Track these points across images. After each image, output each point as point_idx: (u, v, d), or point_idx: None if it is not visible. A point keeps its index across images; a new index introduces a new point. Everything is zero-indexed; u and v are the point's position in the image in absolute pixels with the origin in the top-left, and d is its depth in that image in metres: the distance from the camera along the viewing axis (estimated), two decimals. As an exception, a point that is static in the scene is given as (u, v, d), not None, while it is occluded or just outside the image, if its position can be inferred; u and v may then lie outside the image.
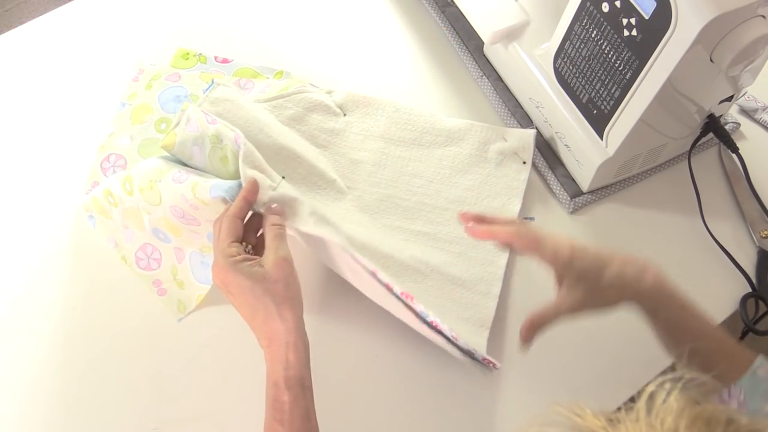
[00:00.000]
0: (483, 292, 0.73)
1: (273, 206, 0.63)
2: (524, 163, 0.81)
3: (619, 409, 0.39)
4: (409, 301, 0.63)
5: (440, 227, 0.77)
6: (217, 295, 0.71)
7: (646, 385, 0.38)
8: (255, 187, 0.63)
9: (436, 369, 0.70)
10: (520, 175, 0.80)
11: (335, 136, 0.82)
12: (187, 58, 0.89)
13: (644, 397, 0.37)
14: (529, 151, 0.81)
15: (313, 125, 0.81)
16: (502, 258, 0.75)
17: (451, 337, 0.63)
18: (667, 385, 0.36)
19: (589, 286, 0.58)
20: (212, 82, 0.79)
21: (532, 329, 0.59)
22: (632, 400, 0.70)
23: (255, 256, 0.60)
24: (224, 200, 0.63)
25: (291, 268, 0.59)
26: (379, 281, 0.64)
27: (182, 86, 0.85)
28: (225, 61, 0.88)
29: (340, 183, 0.78)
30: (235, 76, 0.86)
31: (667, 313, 0.60)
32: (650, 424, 0.35)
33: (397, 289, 0.63)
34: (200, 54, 0.89)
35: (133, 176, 0.69)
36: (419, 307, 0.63)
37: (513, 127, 0.85)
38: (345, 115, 0.84)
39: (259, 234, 0.64)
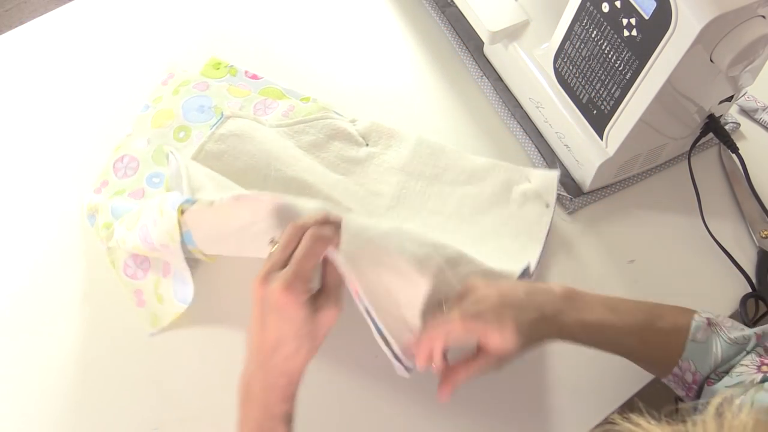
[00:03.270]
0: None
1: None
2: (547, 206, 0.77)
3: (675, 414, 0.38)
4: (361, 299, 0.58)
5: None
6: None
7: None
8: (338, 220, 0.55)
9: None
10: (542, 219, 0.76)
11: (355, 166, 0.80)
12: (218, 68, 0.88)
13: (711, 410, 0.35)
14: (552, 194, 0.77)
15: (333, 153, 0.80)
16: None
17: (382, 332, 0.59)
18: (737, 400, 0.34)
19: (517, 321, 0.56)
20: (221, 115, 0.78)
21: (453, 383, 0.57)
22: (631, 400, 0.70)
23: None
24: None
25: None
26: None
27: (208, 96, 0.84)
28: (254, 77, 0.88)
29: (357, 213, 0.76)
30: (261, 94, 0.85)
31: (588, 334, 0.59)
32: None
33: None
34: (231, 66, 0.88)
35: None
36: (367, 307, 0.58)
37: (513, 127, 0.85)
38: (367, 145, 0.82)
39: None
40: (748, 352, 0.57)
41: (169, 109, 0.83)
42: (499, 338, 0.55)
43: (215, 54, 0.89)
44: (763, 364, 0.53)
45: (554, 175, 0.78)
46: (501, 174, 0.80)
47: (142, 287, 0.73)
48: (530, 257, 0.73)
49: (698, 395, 0.60)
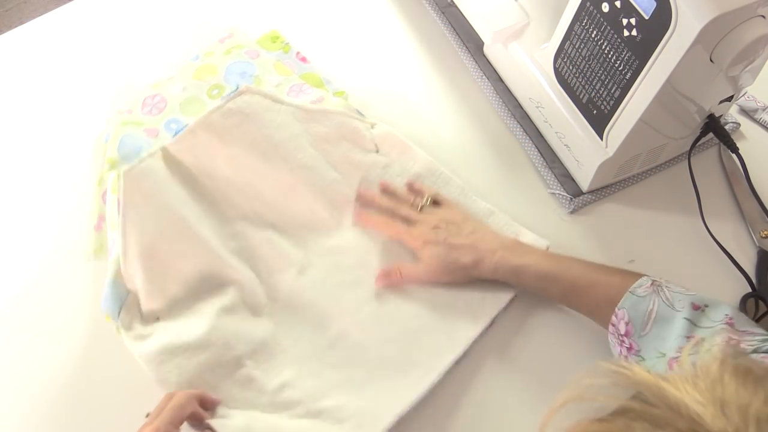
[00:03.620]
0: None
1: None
2: None
3: None
4: None
5: (403, 302, 0.72)
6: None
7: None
8: (217, 400, 0.65)
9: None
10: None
11: (357, 170, 0.79)
12: (275, 42, 0.89)
13: (686, 351, 0.37)
14: None
15: (340, 151, 0.79)
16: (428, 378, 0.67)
17: None
18: (707, 343, 0.36)
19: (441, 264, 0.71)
20: (236, 87, 0.78)
21: (389, 280, 0.72)
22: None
23: None
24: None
25: None
26: None
27: (254, 65, 0.85)
28: (303, 59, 0.89)
29: (332, 220, 0.76)
30: (301, 78, 0.86)
31: (526, 282, 0.69)
32: (696, 374, 0.36)
33: None
34: (287, 43, 0.89)
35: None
36: None
37: (513, 127, 0.85)
38: (377, 152, 0.81)
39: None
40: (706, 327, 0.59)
41: (214, 65, 0.84)
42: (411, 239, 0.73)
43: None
44: (731, 339, 0.55)
45: (544, 243, 0.75)
46: (496, 222, 0.77)
47: (108, 218, 0.74)
48: (491, 308, 0.71)
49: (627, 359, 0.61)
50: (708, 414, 0.33)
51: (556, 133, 0.81)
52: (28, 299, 0.74)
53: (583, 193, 0.80)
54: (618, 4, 0.65)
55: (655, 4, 0.61)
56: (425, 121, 0.86)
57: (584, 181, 0.79)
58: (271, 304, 0.72)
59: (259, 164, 0.75)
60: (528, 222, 0.79)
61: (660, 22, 0.61)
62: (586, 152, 0.77)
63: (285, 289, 0.72)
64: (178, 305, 0.69)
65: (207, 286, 0.70)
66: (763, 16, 0.61)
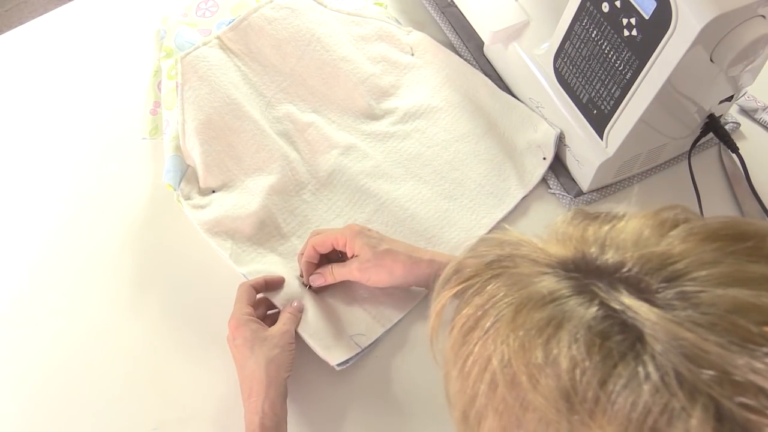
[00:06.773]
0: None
1: (295, 304, 0.70)
2: (544, 159, 0.81)
3: None
4: None
5: (435, 185, 0.79)
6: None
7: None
8: (279, 279, 0.71)
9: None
10: (536, 170, 0.81)
11: (394, 68, 0.86)
12: None
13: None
14: (550, 150, 0.80)
15: (377, 50, 0.87)
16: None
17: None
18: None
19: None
20: None
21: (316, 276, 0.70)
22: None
23: (262, 323, 0.67)
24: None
25: (291, 341, 0.66)
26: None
27: None
28: None
29: (370, 110, 0.83)
30: None
31: None
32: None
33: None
34: None
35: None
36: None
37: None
38: (413, 55, 0.89)
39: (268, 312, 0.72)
40: None
41: None
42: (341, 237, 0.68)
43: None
44: None
45: (552, 133, 0.80)
46: (520, 114, 0.84)
47: (163, 101, 0.81)
48: (511, 202, 0.80)
49: None
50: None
51: (556, 133, 0.81)
52: (24, 296, 0.74)
53: (583, 193, 0.80)
54: (618, 4, 0.65)
55: (655, 4, 0.61)
56: (425, 121, 0.86)
57: (584, 181, 0.79)
58: (314, 181, 0.79)
59: (303, 53, 0.82)
60: (528, 221, 0.79)
61: (660, 22, 0.61)
62: (586, 152, 0.77)
63: (327, 169, 0.79)
64: (231, 179, 0.77)
65: (257, 161, 0.78)
66: (763, 16, 0.61)
